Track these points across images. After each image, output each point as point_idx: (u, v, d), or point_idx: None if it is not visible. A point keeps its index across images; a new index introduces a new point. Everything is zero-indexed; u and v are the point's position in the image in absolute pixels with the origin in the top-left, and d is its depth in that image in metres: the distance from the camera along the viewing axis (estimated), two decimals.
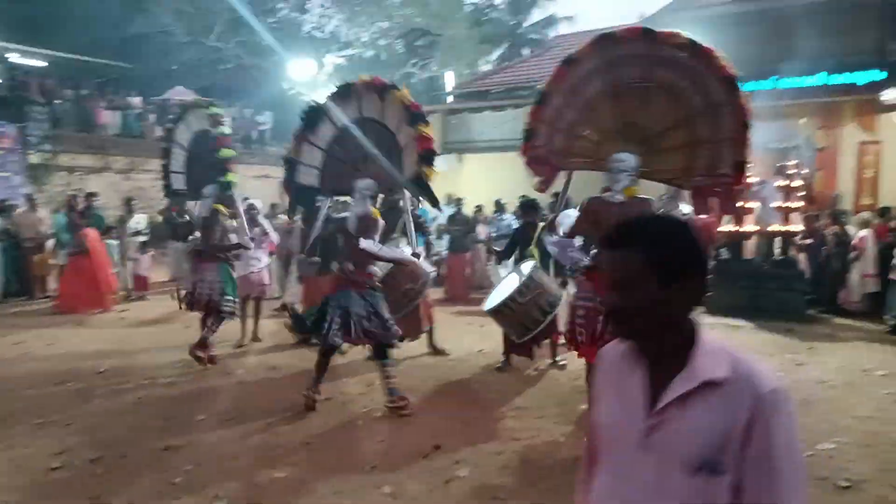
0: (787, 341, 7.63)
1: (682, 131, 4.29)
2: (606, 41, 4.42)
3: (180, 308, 6.85)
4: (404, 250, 5.98)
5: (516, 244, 6.76)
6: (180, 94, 22.76)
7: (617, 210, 4.18)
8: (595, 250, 4.37)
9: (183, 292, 6.70)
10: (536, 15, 34.03)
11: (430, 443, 4.38)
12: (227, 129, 6.51)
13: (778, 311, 8.80)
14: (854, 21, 11.15)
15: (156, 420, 4.91)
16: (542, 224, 6.60)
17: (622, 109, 4.42)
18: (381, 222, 5.24)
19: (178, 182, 6.91)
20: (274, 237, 8.16)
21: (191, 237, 6.88)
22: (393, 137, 5.38)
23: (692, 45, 4.18)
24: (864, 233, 9.09)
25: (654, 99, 4.33)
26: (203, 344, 6.25)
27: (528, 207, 6.84)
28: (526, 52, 31.21)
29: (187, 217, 7.71)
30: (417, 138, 5.12)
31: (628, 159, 4.25)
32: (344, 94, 5.63)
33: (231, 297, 6.41)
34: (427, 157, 5.10)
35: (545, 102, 4.65)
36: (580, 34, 21.59)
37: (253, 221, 7.49)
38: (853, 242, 9.14)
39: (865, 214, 9.44)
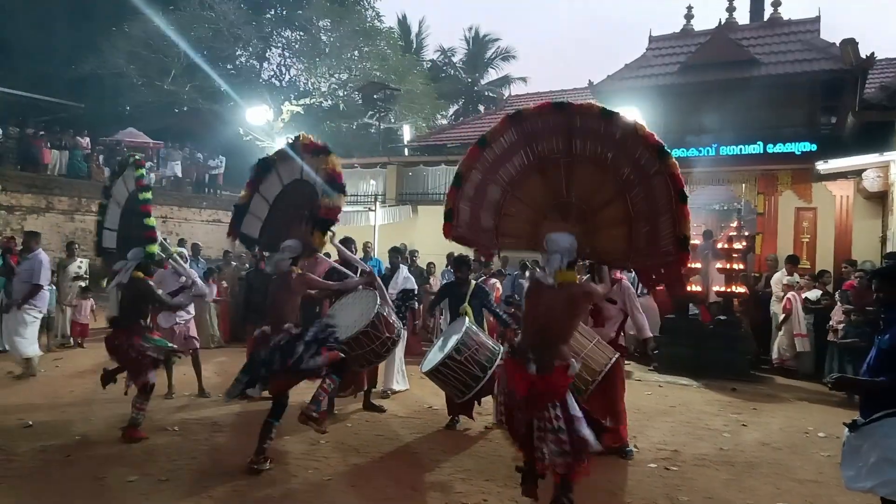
0: (731, 401, 7.78)
1: (617, 206, 3.92)
2: (517, 118, 4.16)
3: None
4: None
5: (445, 297, 6.79)
6: (132, 135, 22.45)
7: (547, 295, 3.83)
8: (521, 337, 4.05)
9: None
10: (492, 74, 35.24)
11: None
12: (150, 195, 6.13)
13: (722, 370, 9.01)
14: (788, 95, 11.84)
15: (84, 482, 4.62)
16: (473, 282, 6.67)
17: (553, 185, 4.09)
18: (302, 277, 5.24)
19: (110, 240, 6.56)
20: (201, 287, 7.22)
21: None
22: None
23: (604, 115, 3.87)
24: (791, 295, 9.49)
25: (583, 172, 3.98)
26: (135, 426, 5.69)
27: (459, 263, 6.75)
28: (481, 108, 32.12)
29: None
30: (322, 204, 5.13)
31: (560, 240, 3.85)
32: (293, 151, 5.68)
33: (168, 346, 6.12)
34: (321, 224, 5.10)
35: (462, 184, 4.35)
36: (534, 95, 22.36)
37: (177, 272, 7.14)
38: (782, 304, 9.54)
39: (790, 278, 9.84)
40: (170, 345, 6.20)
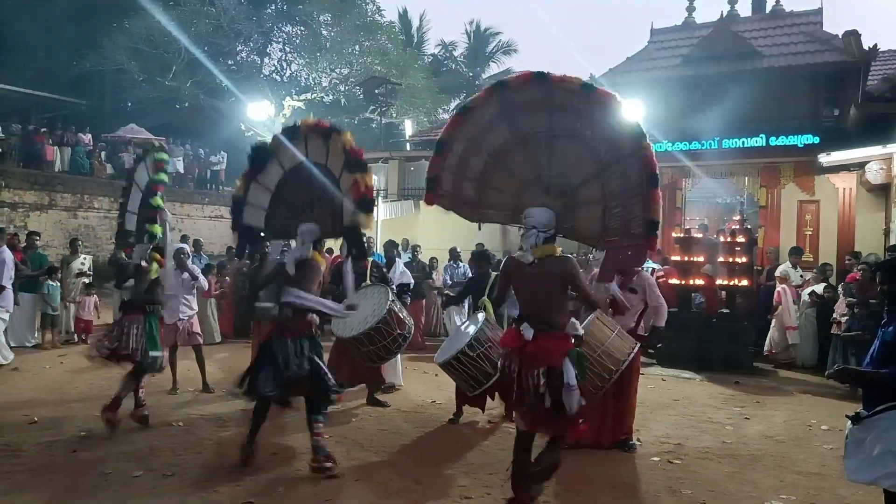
0: (734, 394, 7.78)
1: (594, 185, 3.89)
2: (500, 88, 4.08)
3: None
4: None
5: (469, 292, 6.78)
6: (133, 131, 22.46)
7: (528, 272, 3.76)
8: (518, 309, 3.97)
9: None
10: (494, 68, 35.13)
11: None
12: (164, 177, 6.23)
13: (725, 363, 9.01)
14: (790, 88, 11.81)
15: (89, 477, 4.64)
16: (494, 274, 6.66)
17: (534, 159, 4.01)
18: (321, 267, 5.09)
19: (132, 223, 6.60)
20: (203, 283, 7.64)
21: (126, 284, 6.47)
22: (336, 183, 5.30)
23: (585, 89, 3.80)
24: (781, 287, 9.48)
25: (563, 148, 3.92)
26: (116, 404, 5.66)
27: (480, 257, 6.80)
28: None
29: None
30: (354, 185, 4.89)
31: (537, 214, 3.77)
32: (291, 135, 5.52)
33: (156, 355, 5.95)
34: (363, 205, 4.88)
35: (444, 150, 4.27)
36: None
37: (181, 266, 7.31)
38: (774, 298, 9.55)
39: (785, 269, 9.83)
40: (158, 354, 6.00)
